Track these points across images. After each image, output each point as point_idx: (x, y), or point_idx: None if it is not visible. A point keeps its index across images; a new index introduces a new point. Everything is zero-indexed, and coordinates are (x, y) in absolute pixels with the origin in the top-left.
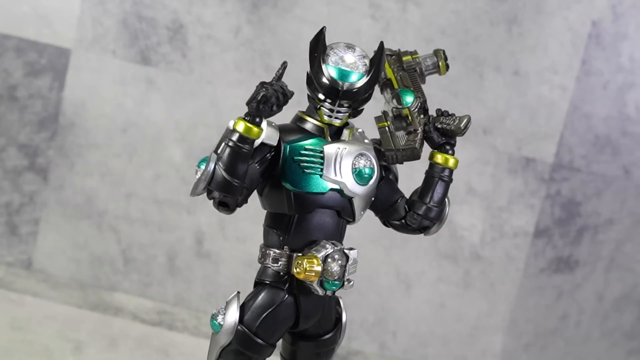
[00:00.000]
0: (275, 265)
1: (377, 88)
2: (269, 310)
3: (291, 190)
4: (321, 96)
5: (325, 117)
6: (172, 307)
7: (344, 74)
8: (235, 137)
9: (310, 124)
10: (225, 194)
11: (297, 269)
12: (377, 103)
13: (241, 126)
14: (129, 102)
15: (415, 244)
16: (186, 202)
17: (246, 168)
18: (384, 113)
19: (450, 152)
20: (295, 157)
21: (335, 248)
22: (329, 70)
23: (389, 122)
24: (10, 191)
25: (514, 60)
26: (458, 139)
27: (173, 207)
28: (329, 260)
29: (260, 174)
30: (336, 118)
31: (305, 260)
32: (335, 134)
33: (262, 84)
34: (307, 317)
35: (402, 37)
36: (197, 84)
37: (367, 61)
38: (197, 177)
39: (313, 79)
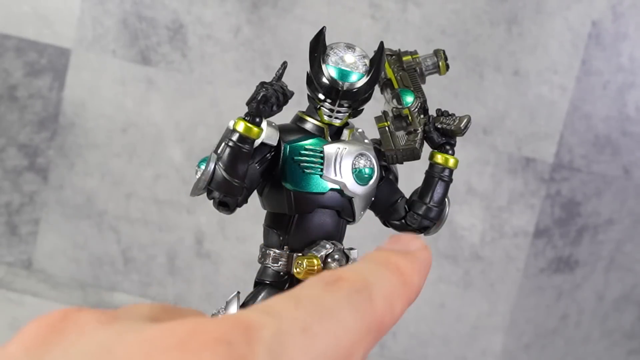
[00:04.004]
0: (275, 265)
1: (377, 88)
2: None
3: (291, 190)
4: (321, 96)
5: (325, 117)
6: None
7: (344, 74)
8: (235, 137)
9: (310, 124)
10: (226, 194)
11: (297, 269)
12: (377, 103)
13: (241, 126)
14: (129, 102)
15: None
16: (186, 202)
17: (246, 168)
18: (384, 113)
19: (450, 152)
20: (295, 157)
21: (335, 248)
22: (329, 70)
23: (389, 122)
24: (10, 191)
25: (514, 60)
26: (458, 139)
27: (173, 207)
28: (329, 260)
29: (260, 174)
30: (336, 118)
31: (306, 260)
32: (335, 134)
33: (262, 84)
34: None
35: (402, 37)
36: (197, 84)
37: (367, 61)
38: (197, 177)
39: (313, 79)
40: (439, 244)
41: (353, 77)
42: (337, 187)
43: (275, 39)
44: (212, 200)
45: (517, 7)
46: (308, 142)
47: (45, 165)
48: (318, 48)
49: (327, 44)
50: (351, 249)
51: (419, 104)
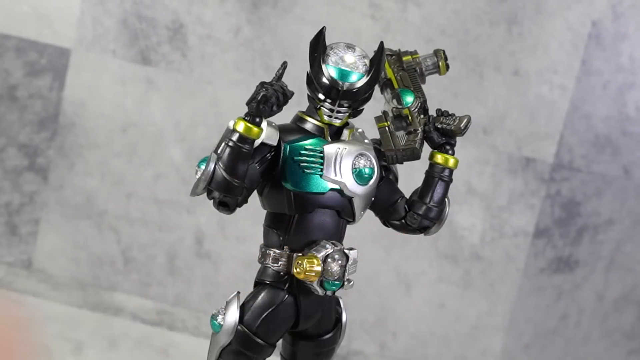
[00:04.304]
0: (275, 265)
1: (377, 88)
2: (269, 310)
3: (291, 190)
4: (321, 96)
5: (325, 117)
6: (172, 307)
7: (344, 74)
8: (235, 137)
9: (310, 124)
10: (226, 194)
11: (297, 269)
12: (377, 103)
13: (241, 126)
14: (129, 102)
15: (415, 244)
16: (186, 202)
17: (246, 168)
18: (384, 113)
19: (450, 152)
20: (295, 157)
21: (335, 248)
22: (329, 70)
23: (389, 122)
24: (10, 191)
25: (514, 60)
26: (458, 139)
27: (173, 207)
28: (329, 260)
29: (260, 174)
30: (336, 118)
31: (305, 260)
32: (335, 134)
33: (262, 84)
34: (307, 317)
35: (402, 37)
36: (197, 84)
37: (367, 61)
38: (197, 177)
39: (313, 79)
40: (439, 244)
41: (353, 77)
42: (337, 187)
43: (275, 39)
44: (212, 200)
45: (517, 7)
46: (308, 142)
47: (45, 165)
48: (318, 48)
49: (327, 44)
50: (351, 249)
51: (419, 104)
